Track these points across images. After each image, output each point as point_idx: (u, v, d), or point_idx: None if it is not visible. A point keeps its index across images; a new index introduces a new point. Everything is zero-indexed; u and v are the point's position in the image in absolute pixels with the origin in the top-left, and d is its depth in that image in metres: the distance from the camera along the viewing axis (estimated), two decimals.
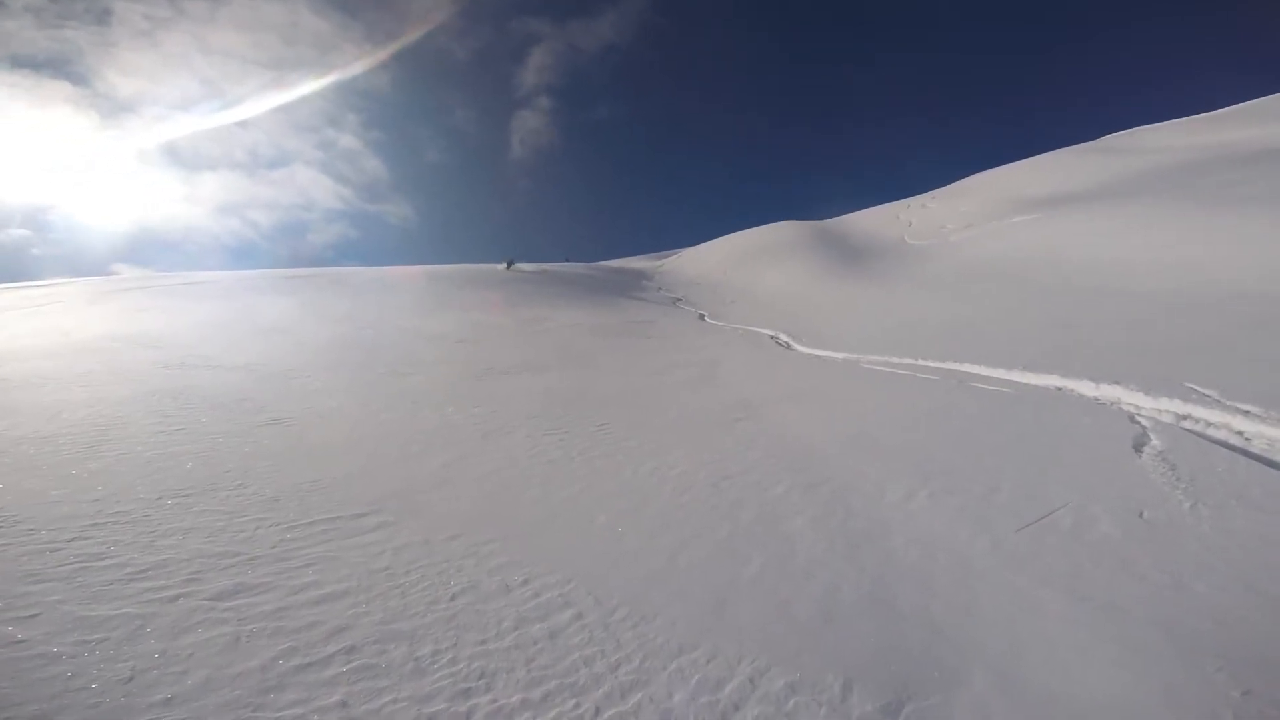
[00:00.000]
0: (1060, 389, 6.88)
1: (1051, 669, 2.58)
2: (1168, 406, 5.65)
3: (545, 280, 27.56)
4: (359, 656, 2.67)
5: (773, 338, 14.06)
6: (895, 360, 9.48)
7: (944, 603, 3.08)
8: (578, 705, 2.43)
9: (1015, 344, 9.27)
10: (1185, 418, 5.39)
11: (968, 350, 9.14)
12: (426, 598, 3.16)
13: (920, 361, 9.12)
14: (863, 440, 5.64)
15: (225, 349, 10.04)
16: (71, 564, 3.22)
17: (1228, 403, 5.34)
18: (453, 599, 3.16)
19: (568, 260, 42.11)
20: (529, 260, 37.46)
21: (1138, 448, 4.91)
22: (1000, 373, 7.80)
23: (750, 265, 31.02)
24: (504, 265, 30.82)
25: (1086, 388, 6.66)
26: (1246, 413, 5.10)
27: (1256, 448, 4.67)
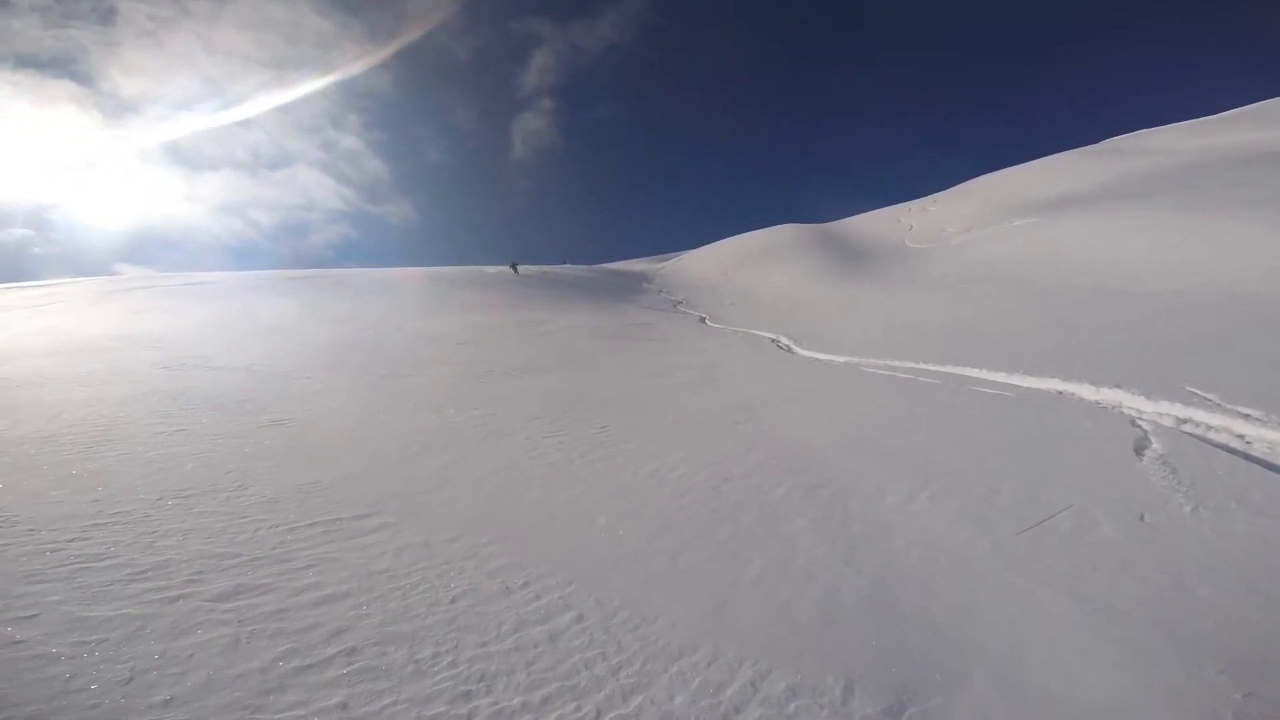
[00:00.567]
0: (1061, 392, 6.88)
1: (1052, 671, 2.57)
2: (1169, 410, 5.64)
3: (546, 282, 27.58)
4: (359, 658, 2.66)
5: (773, 340, 14.06)
6: (896, 363, 9.48)
7: (945, 605, 3.08)
8: (579, 708, 2.42)
9: (1016, 347, 9.26)
10: (1186, 421, 5.38)
11: (968, 353, 9.14)
12: (427, 599, 3.16)
13: (921, 365, 9.11)
14: (863, 443, 5.64)
15: (226, 350, 10.04)
16: (71, 564, 3.22)
17: (1228, 406, 5.33)
18: (453, 601, 3.15)
19: (565, 262, 41.40)
20: (532, 262, 37.47)
21: (1139, 451, 4.90)
22: (1001, 376, 7.80)
23: (751, 268, 31.03)
24: (510, 268, 30.35)
25: (1087, 391, 6.66)
26: (1247, 416, 5.09)
27: (1257, 451, 4.66)
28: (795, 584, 3.33)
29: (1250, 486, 4.10)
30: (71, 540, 3.47)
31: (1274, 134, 27.02)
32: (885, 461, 5.11)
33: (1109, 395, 6.37)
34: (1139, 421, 5.57)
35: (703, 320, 19.55)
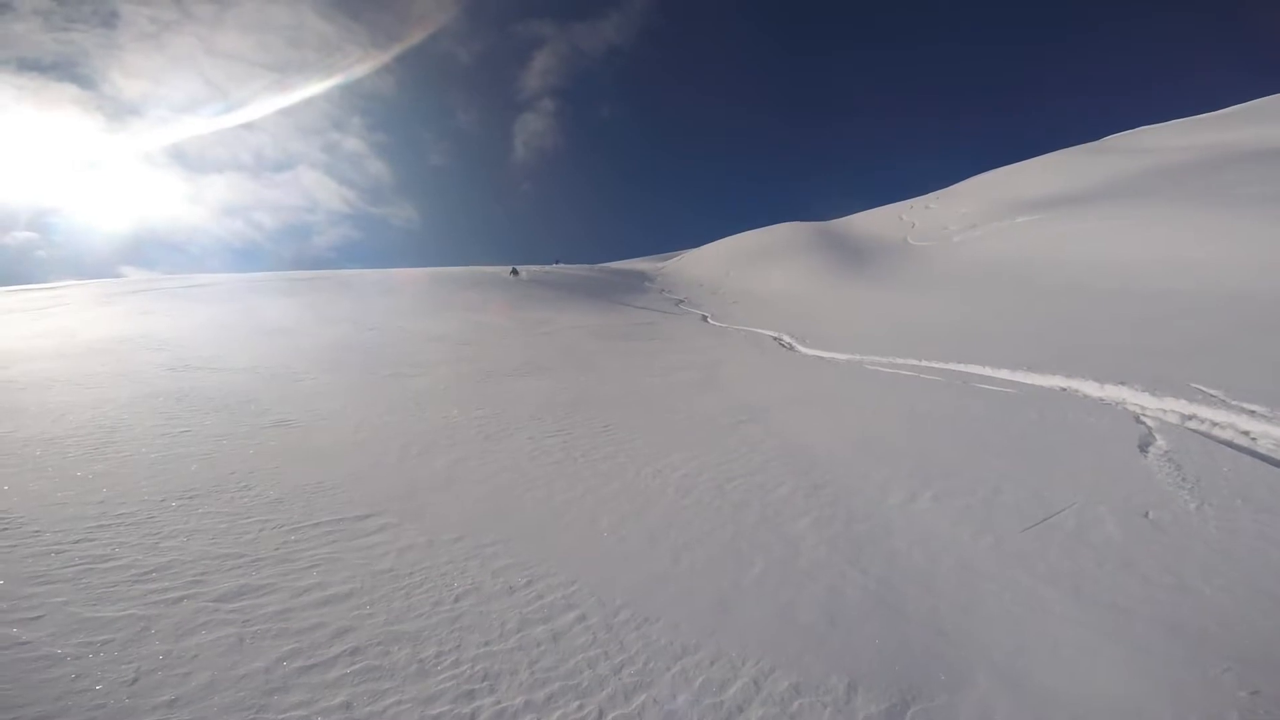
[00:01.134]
0: (1065, 389, 6.86)
1: (1056, 669, 2.57)
2: (1173, 406, 5.63)
3: (548, 282, 27.60)
4: (363, 658, 2.67)
5: (775, 339, 14.05)
6: (898, 361, 9.46)
7: (948, 603, 3.07)
8: (581, 707, 2.42)
9: (1019, 344, 9.25)
10: (1190, 418, 5.37)
11: (971, 351, 9.12)
12: (430, 599, 3.16)
13: (923, 362, 9.10)
14: (866, 441, 5.63)
15: (229, 351, 10.07)
16: (76, 566, 3.23)
17: (1233, 402, 5.32)
18: (456, 600, 3.16)
19: (558, 261, 40.26)
20: (534, 262, 37.45)
21: (1143, 448, 4.89)
22: (1004, 373, 7.78)
23: (753, 266, 31.03)
24: (510, 272, 29.88)
25: (1091, 388, 6.64)
26: (1252, 412, 5.08)
27: (1262, 447, 4.65)
28: (798, 583, 3.33)
29: (1255, 483, 4.09)
30: (77, 542, 3.48)
31: (1274, 131, 26.91)
32: (888, 460, 5.10)
33: (1113, 392, 6.35)
34: (1143, 418, 5.56)
35: (705, 319, 19.54)
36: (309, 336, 12.30)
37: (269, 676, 2.52)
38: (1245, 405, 5.21)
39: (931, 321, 12.77)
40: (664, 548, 3.77)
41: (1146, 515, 3.81)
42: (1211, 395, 5.55)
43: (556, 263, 39.82)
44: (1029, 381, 7.34)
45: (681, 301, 24.93)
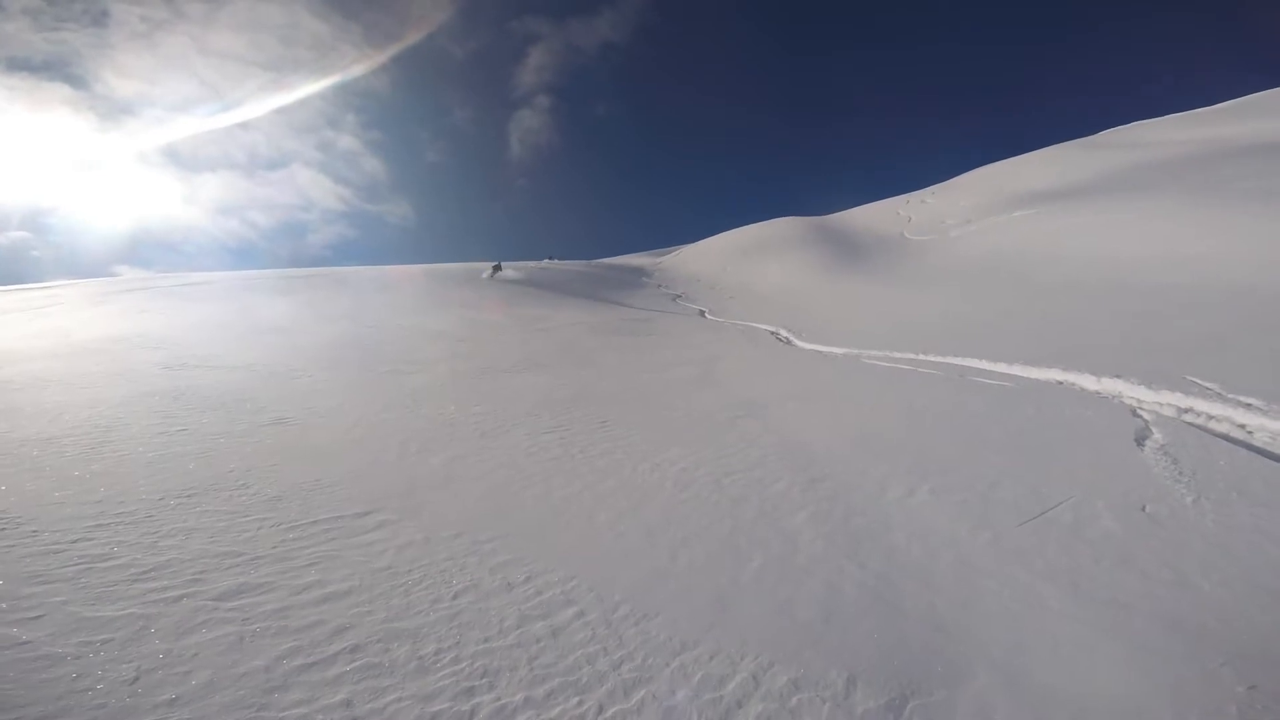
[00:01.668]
0: (1061, 382, 6.88)
1: (1055, 665, 2.58)
2: (1169, 400, 5.65)
3: (545, 280, 27.53)
4: (362, 655, 2.67)
5: (773, 334, 14.06)
6: (896, 355, 9.48)
7: (946, 599, 3.09)
8: (581, 703, 2.43)
9: (1016, 338, 9.27)
10: (1187, 411, 5.39)
11: (968, 344, 9.14)
12: (429, 596, 3.16)
13: (921, 356, 9.11)
14: (864, 436, 5.64)
15: (226, 349, 10.04)
16: (75, 565, 3.22)
17: (1229, 396, 5.34)
18: (455, 597, 3.16)
19: (551, 258, 39.32)
20: (528, 258, 37.21)
21: (1140, 441, 4.91)
22: (1001, 367, 7.80)
23: (750, 261, 31.02)
24: (491, 269, 27.48)
25: (1088, 381, 6.66)
26: (1248, 406, 5.10)
27: (1259, 441, 4.67)
28: (796, 579, 3.34)
29: (1252, 477, 4.11)
30: (75, 541, 3.47)
31: (1271, 125, 26.94)
32: (885, 454, 5.11)
33: (1109, 385, 6.37)
34: (1140, 411, 5.57)
35: (702, 314, 19.55)
36: (305, 334, 12.27)
37: (269, 675, 2.52)
38: (1241, 399, 5.23)
39: (929, 316, 12.78)
40: (662, 543, 3.78)
41: (1144, 509, 3.83)
42: (1208, 389, 5.57)
43: (549, 259, 39.00)
44: (1026, 375, 7.36)
45: (679, 297, 24.92)
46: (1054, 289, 12.65)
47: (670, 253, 46.98)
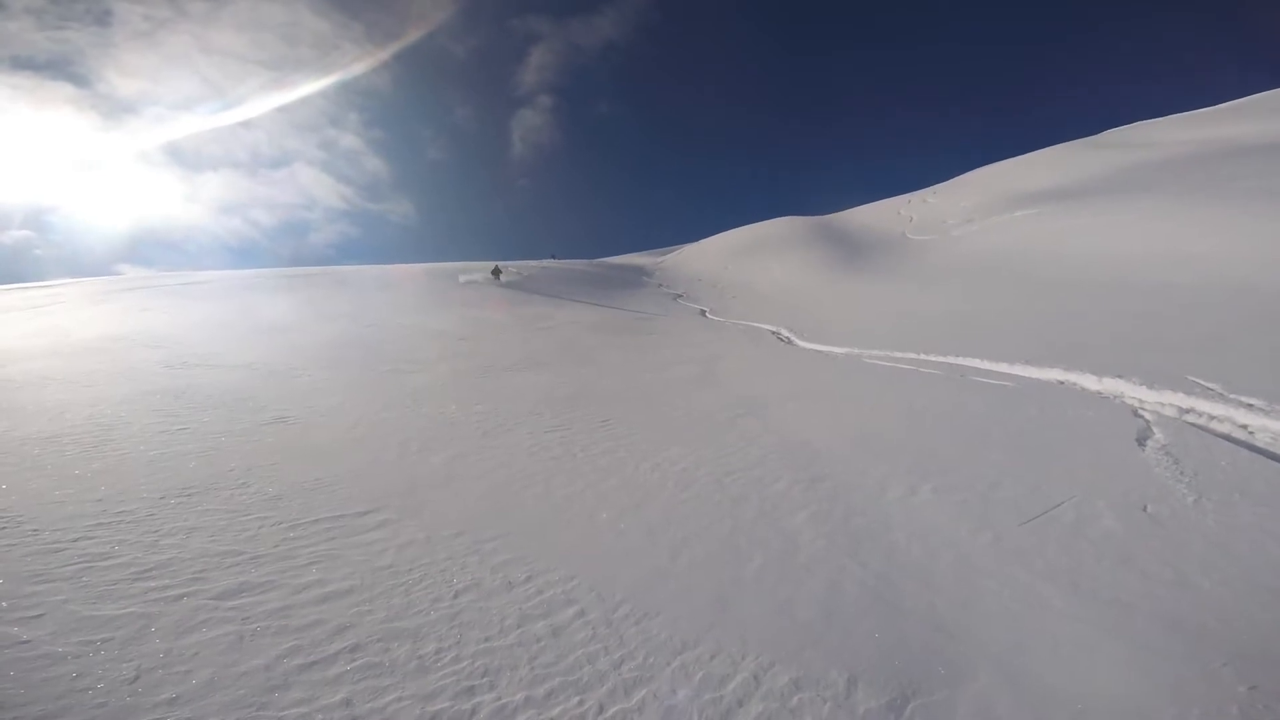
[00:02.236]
0: (1063, 382, 6.87)
1: (1056, 664, 2.58)
2: (1171, 400, 5.64)
3: (545, 278, 27.50)
4: (363, 655, 2.67)
5: (774, 333, 14.06)
6: (897, 355, 9.47)
7: (947, 598, 3.08)
8: (581, 702, 2.43)
9: (1017, 337, 9.26)
10: (1188, 411, 5.38)
11: (969, 344, 9.13)
12: (430, 595, 3.16)
13: (922, 356, 9.10)
14: (864, 436, 5.64)
15: (227, 348, 10.05)
16: (76, 564, 3.22)
17: (1231, 396, 5.33)
18: (455, 596, 3.16)
19: (554, 257, 39.16)
20: (530, 258, 37.13)
21: (1141, 441, 4.90)
22: (1002, 366, 7.79)
23: (751, 261, 31.00)
24: (490, 273, 25.63)
25: (1089, 381, 6.65)
26: (1250, 406, 5.09)
27: (1260, 441, 4.66)
28: (797, 578, 3.33)
29: (1253, 477, 4.10)
30: (76, 540, 3.47)
31: (1273, 126, 26.89)
32: (886, 454, 5.11)
33: (1111, 385, 6.36)
34: (1141, 411, 5.56)
35: (703, 313, 19.55)
36: (307, 333, 12.28)
37: (269, 674, 2.52)
38: (1243, 399, 5.22)
39: (930, 315, 12.77)
40: (663, 542, 3.78)
41: (1145, 509, 3.82)
42: (1209, 389, 5.56)
43: (552, 258, 38.90)
44: (1027, 375, 7.35)
45: (680, 296, 24.92)
46: (1055, 288, 12.63)
47: (671, 252, 46.98)
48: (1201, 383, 5.72)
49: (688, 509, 4.27)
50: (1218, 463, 4.35)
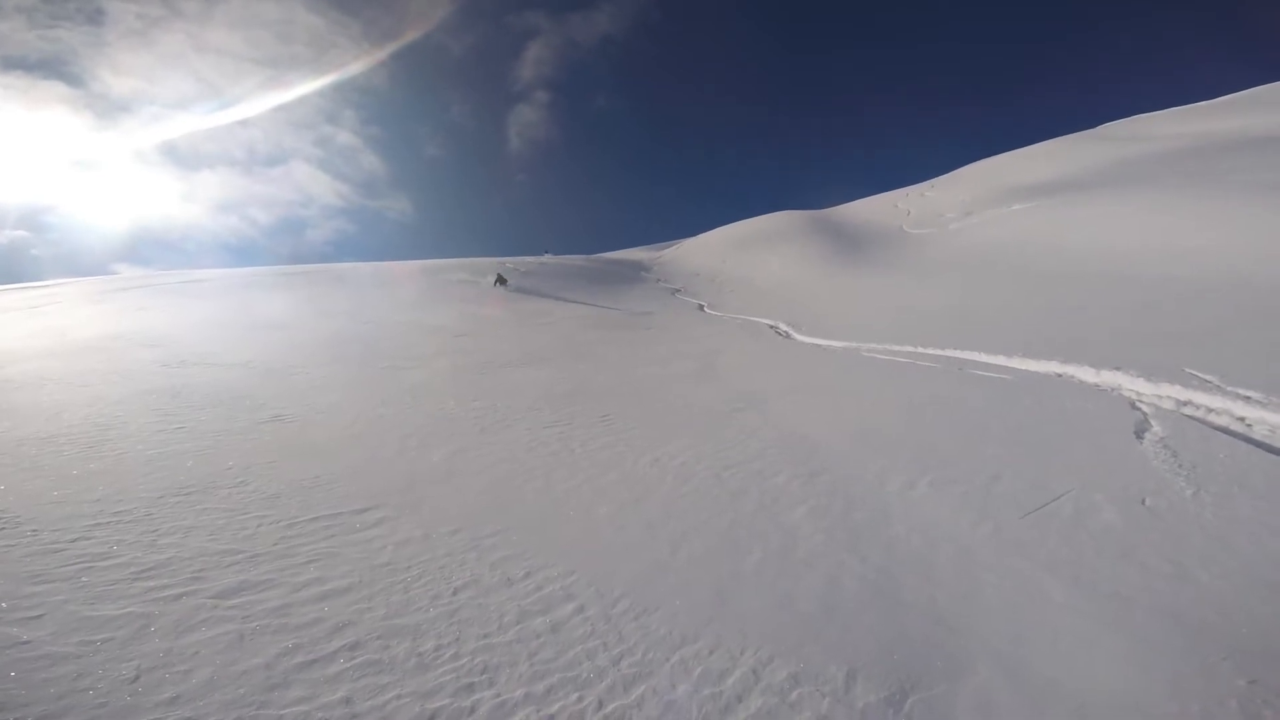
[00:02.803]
0: (1060, 374, 6.88)
1: (1056, 658, 2.58)
2: (1168, 392, 5.64)
3: (543, 274, 27.46)
4: (362, 652, 2.67)
5: (772, 327, 14.05)
6: (895, 348, 9.47)
7: (946, 592, 3.09)
8: (581, 699, 2.43)
9: (1015, 330, 9.26)
10: (1186, 404, 5.39)
11: (967, 337, 9.13)
12: (429, 592, 3.16)
13: (920, 349, 9.11)
14: (863, 429, 5.64)
15: (224, 346, 10.03)
16: (75, 564, 3.22)
17: (1228, 388, 5.33)
18: (455, 593, 3.16)
19: (547, 252, 38.19)
20: (529, 254, 36.98)
21: (1139, 434, 4.90)
22: (1000, 359, 7.80)
23: (749, 255, 30.97)
24: (495, 281, 23.12)
25: (1087, 374, 6.66)
26: (1247, 398, 5.09)
27: (1258, 434, 4.67)
28: (796, 572, 3.34)
29: (1251, 469, 4.10)
30: (75, 540, 3.47)
31: (1268, 119, 26.89)
32: (885, 447, 5.11)
33: (1109, 378, 6.37)
34: (1139, 404, 5.57)
35: (701, 308, 19.54)
36: (304, 331, 12.26)
37: (269, 672, 2.52)
38: (1240, 391, 5.22)
39: (928, 308, 12.76)
40: (662, 537, 3.78)
41: (1144, 502, 3.83)
42: (1207, 381, 5.56)
43: (546, 254, 38.09)
44: (1025, 367, 7.35)
45: (678, 291, 24.90)
46: (1053, 281, 12.63)
47: (670, 247, 46.95)
48: (1199, 375, 5.72)
49: (687, 503, 4.27)
50: (1215, 455, 4.36)
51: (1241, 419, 4.91)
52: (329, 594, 3.12)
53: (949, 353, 8.62)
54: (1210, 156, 21.56)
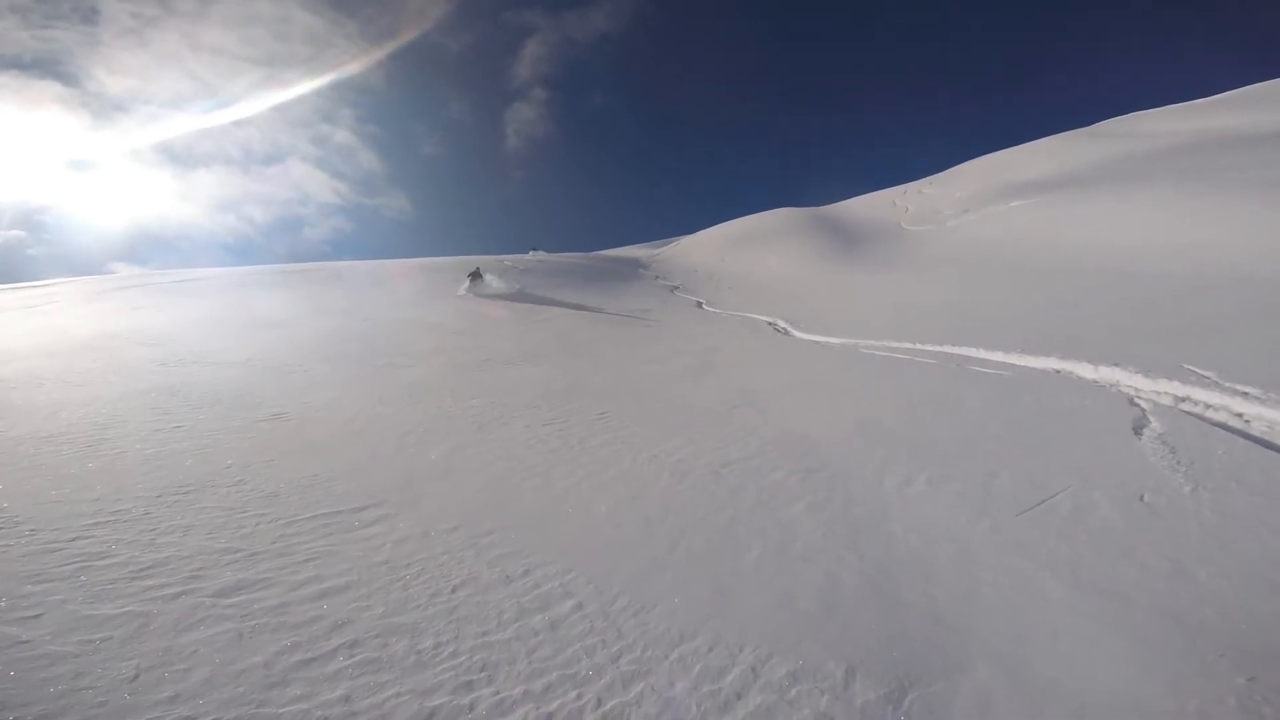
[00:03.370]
0: (1059, 371, 6.88)
1: (1054, 656, 2.59)
2: (1167, 388, 5.65)
3: (542, 271, 27.40)
4: (361, 651, 2.67)
5: (770, 324, 14.04)
6: (893, 345, 9.47)
7: (945, 589, 3.09)
8: (580, 696, 2.43)
9: (1013, 327, 9.26)
10: (1184, 400, 5.39)
11: (965, 334, 9.13)
12: (427, 590, 3.17)
13: (918, 345, 9.11)
14: (862, 426, 5.64)
15: (223, 345, 10.01)
16: (73, 563, 3.22)
17: (1226, 385, 5.33)
18: (453, 591, 3.16)
19: (535, 249, 35.62)
20: (519, 253, 36.66)
21: (1137, 430, 4.91)
22: (999, 356, 7.80)
23: (747, 252, 30.93)
24: (466, 283, 19.68)
25: (1085, 370, 6.66)
26: (1245, 394, 5.10)
27: (1256, 430, 4.67)
28: (795, 569, 3.34)
29: (1249, 466, 4.11)
30: (73, 539, 3.46)
31: (1266, 117, 26.90)
32: (883, 444, 5.11)
33: (1107, 374, 6.37)
34: (1137, 400, 5.58)
35: (700, 305, 19.51)
36: (302, 329, 12.23)
37: (268, 671, 2.52)
38: (1239, 387, 5.23)
39: (926, 305, 12.75)
40: (661, 534, 3.78)
41: (1142, 499, 3.83)
42: (1205, 377, 5.57)
43: (533, 250, 35.53)
44: (1023, 364, 7.35)
45: (676, 288, 24.87)
46: (1051, 278, 12.63)
47: (668, 244, 46.86)
48: (1197, 371, 5.73)
49: (685, 500, 4.27)
50: (1214, 452, 4.36)
51: (1240, 415, 4.91)
52: (327, 592, 3.12)
53: (947, 349, 8.62)
54: (1208, 153, 21.56)
